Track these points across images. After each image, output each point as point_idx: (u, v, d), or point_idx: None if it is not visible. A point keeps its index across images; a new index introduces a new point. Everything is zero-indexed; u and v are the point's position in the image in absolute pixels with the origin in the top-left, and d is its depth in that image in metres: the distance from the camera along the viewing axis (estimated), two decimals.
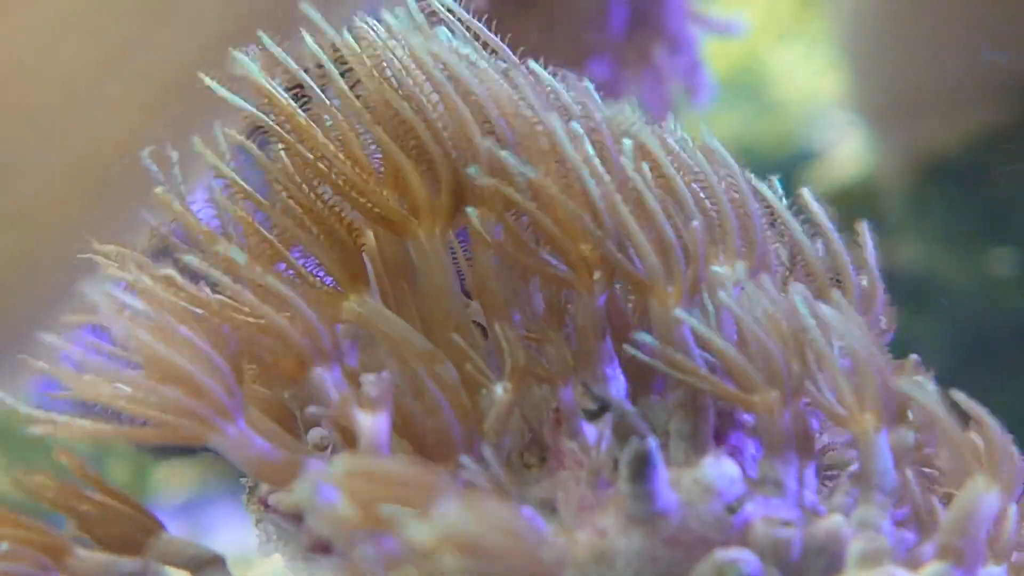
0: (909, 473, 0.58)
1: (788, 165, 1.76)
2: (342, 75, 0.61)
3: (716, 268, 0.59)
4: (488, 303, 0.60)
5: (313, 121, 0.60)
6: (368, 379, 0.56)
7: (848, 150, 1.68)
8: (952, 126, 1.49)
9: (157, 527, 0.61)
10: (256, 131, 0.61)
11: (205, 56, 0.97)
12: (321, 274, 0.62)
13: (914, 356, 0.60)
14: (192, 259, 0.57)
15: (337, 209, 0.60)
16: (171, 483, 1.61)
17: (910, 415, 0.58)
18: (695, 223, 0.58)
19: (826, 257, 0.64)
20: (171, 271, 0.58)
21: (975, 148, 1.46)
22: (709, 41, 1.34)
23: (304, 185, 0.60)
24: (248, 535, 0.64)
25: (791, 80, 1.94)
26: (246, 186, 0.62)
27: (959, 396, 0.55)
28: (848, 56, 1.67)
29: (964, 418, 0.56)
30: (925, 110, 1.52)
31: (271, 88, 0.61)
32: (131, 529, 0.61)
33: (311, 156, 0.60)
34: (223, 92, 0.60)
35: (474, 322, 0.61)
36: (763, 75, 1.96)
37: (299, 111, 0.60)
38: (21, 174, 1.01)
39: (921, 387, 0.55)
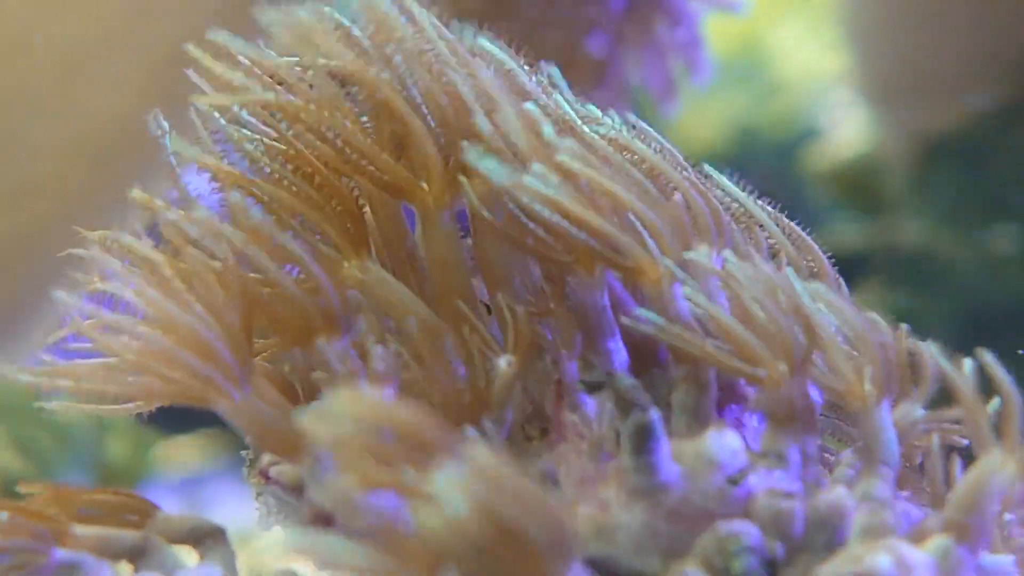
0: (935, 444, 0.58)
1: (790, 144, 1.76)
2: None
3: (699, 247, 0.59)
4: (491, 275, 0.60)
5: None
6: (376, 352, 0.55)
7: (850, 129, 1.67)
8: (954, 105, 1.48)
9: (152, 509, 0.61)
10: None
11: (203, 30, 0.97)
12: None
13: (904, 325, 0.59)
14: (201, 216, 0.57)
15: (339, 173, 0.60)
16: (171, 460, 1.61)
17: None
18: (677, 197, 0.58)
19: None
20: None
21: (977, 127, 1.46)
22: (711, 20, 1.33)
23: (305, 150, 0.59)
24: (248, 512, 0.64)
25: (793, 59, 1.93)
26: (234, 171, 0.61)
27: (988, 359, 0.54)
28: (850, 35, 1.66)
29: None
30: (927, 89, 1.51)
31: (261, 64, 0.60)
32: (127, 517, 0.61)
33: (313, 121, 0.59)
34: (212, 65, 0.60)
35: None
36: (765, 54, 1.95)
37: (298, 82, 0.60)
38: (19, 151, 1.00)
39: (936, 355, 0.55)
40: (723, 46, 1.82)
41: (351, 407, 0.47)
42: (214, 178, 0.61)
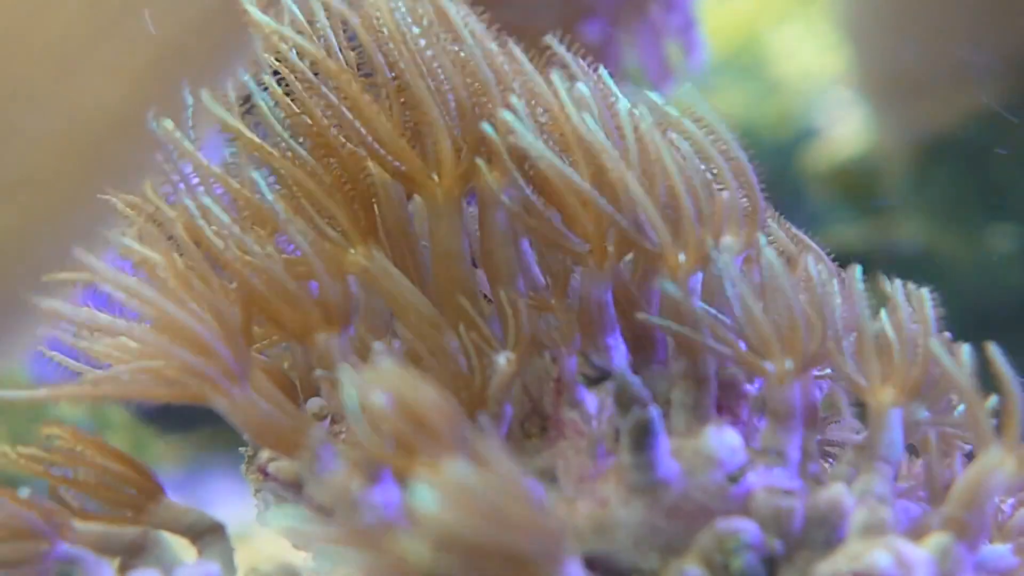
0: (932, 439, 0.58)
1: (789, 143, 1.76)
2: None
3: (726, 239, 0.59)
4: (493, 270, 0.59)
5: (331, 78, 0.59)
6: (378, 348, 0.55)
7: (849, 128, 1.68)
8: (953, 104, 1.48)
9: (159, 491, 0.61)
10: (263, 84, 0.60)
11: (199, 21, 0.97)
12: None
13: (947, 334, 0.60)
14: (197, 206, 0.56)
15: (354, 157, 0.59)
16: (169, 458, 1.60)
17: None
18: (726, 193, 0.58)
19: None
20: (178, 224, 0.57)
21: (975, 125, 1.46)
22: (710, 19, 1.34)
23: (322, 131, 0.59)
24: (246, 510, 0.63)
25: (792, 59, 1.93)
26: (255, 138, 0.60)
27: (996, 355, 0.54)
28: (849, 34, 1.66)
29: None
30: (926, 88, 1.51)
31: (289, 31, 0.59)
32: (132, 493, 0.61)
33: (336, 100, 0.59)
34: (256, 13, 0.59)
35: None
36: (764, 54, 1.95)
37: (327, 55, 0.59)
38: (15, 143, 1.00)
39: (955, 360, 0.55)
40: (723, 45, 1.82)
41: (387, 377, 0.47)
42: (234, 142, 0.61)
